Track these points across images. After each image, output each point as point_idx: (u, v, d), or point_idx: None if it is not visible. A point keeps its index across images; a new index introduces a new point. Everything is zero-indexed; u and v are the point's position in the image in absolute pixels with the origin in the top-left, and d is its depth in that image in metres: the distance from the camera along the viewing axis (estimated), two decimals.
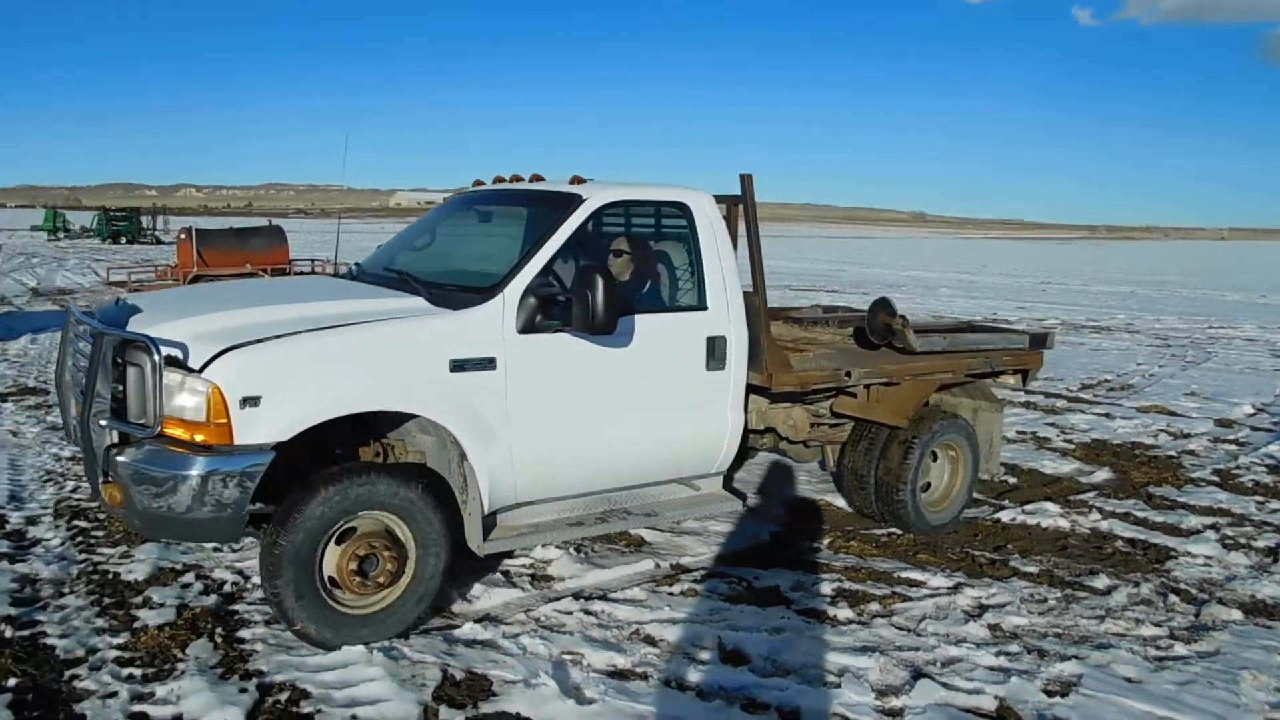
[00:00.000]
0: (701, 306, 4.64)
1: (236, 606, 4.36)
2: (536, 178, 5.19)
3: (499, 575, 4.80)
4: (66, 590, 4.49)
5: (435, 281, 4.39)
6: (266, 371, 3.62)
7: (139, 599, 4.41)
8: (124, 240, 44.22)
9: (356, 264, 5.37)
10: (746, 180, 4.85)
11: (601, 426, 4.37)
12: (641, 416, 4.47)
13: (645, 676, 3.84)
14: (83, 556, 4.91)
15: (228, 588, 4.57)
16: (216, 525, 3.62)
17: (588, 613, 4.41)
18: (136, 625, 4.13)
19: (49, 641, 3.96)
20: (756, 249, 4.84)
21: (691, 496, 4.98)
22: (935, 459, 5.82)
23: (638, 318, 4.39)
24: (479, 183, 5.67)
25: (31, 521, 5.43)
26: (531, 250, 4.24)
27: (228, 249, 18.98)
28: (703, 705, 3.63)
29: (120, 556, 4.90)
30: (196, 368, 3.57)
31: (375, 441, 4.38)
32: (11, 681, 3.61)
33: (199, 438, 3.56)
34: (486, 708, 3.54)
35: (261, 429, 3.58)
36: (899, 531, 5.76)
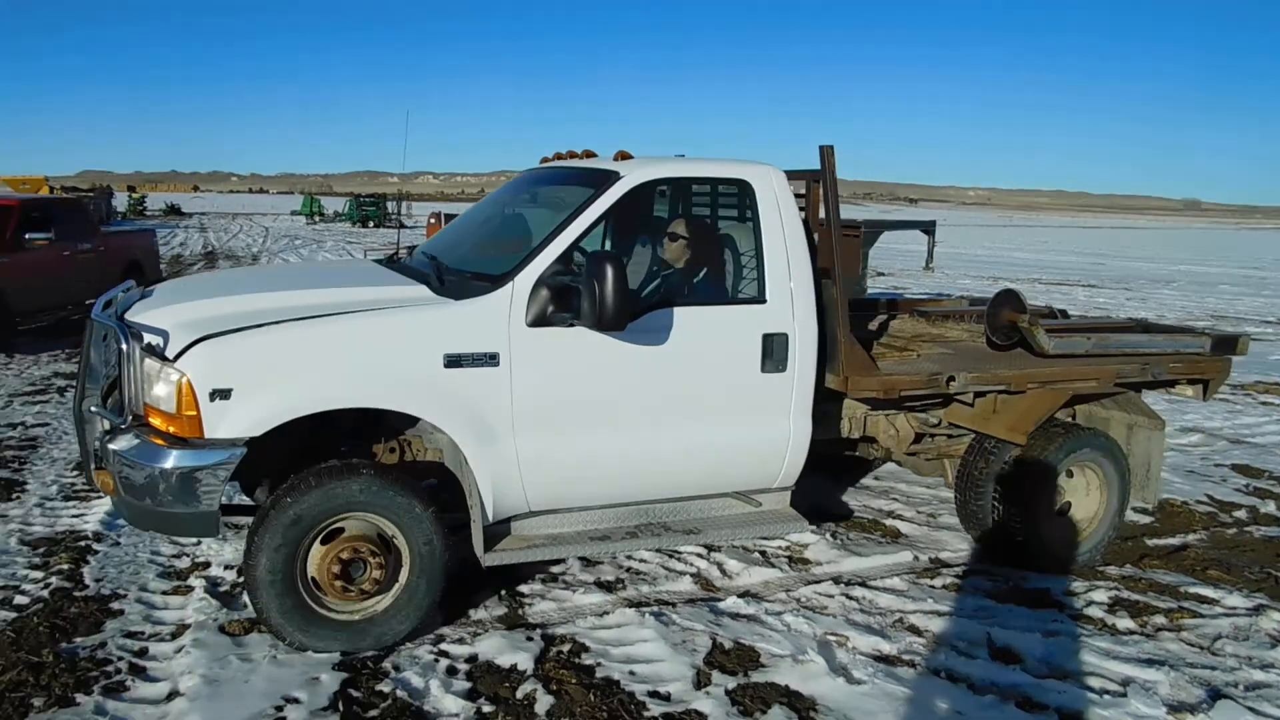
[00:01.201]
0: (759, 299, 4.17)
1: None
2: (588, 153, 4.81)
3: (757, 555, 5.01)
4: None
5: (456, 269, 4.17)
6: (237, 363, 3.49)
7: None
8: (371, 224, 48.72)
9: (409, 248, 5.25)
10: (826, 152, 4.29)
11: (628, 432, 4.02)
12: (679, 422, 4.08)
13: (912, 664, 3.90)
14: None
15: None
16: (188, 519, 3.53)
17: (849, 597, 4.52)
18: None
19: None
20: (836, 233, 4.34)
21: (747, 514, 4.46)
22: (1071, 476, 5.02)
23: (678, 311, 4.01)
24: (545, 160, 5.23)
25: None
26: (552, 235, 3.91)
27: None
28: (976, 699, 3.64)
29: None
30: (171, 357, 3.50)
31: (392, 439, 4.23)
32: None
33: (171, 429, 3.49)
34: (756, 677, 3.74)
35: (232, 423, 3.45)
36: (1183, 543, 5.44)
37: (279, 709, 3.40)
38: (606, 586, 4.56)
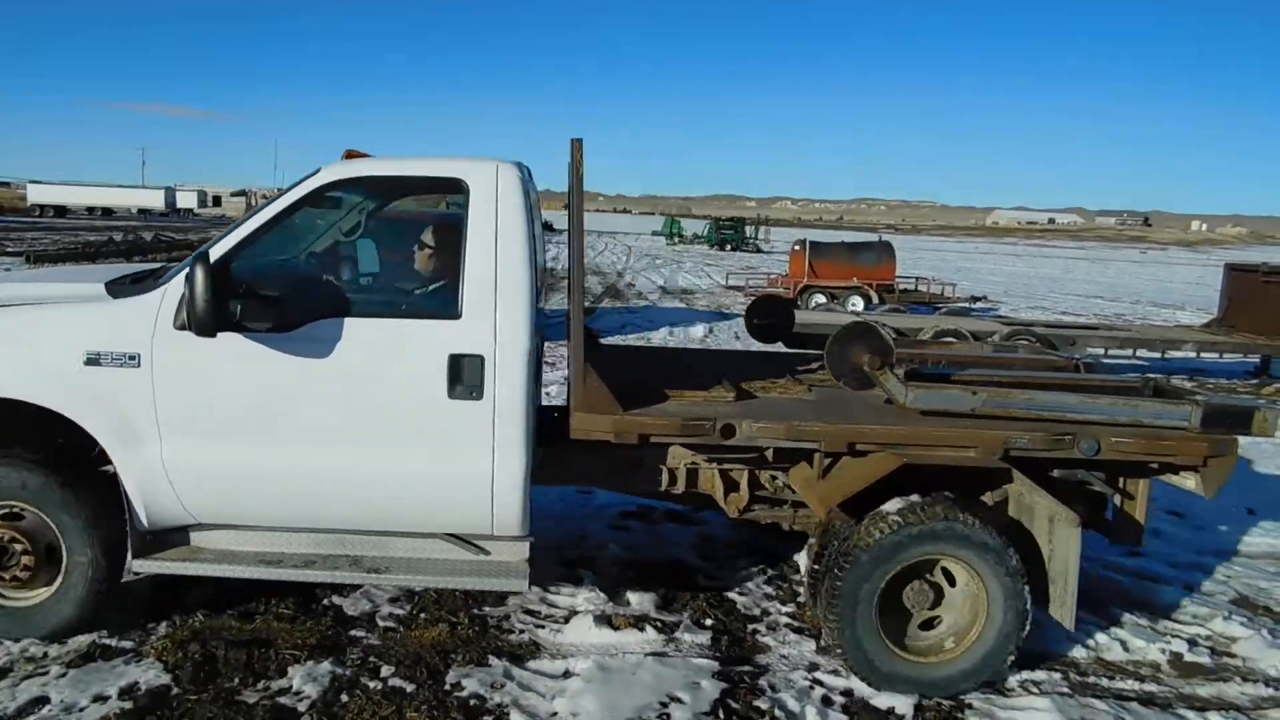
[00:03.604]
0: (450, 314, 3.78)
1: None
2: (351, 154, 4.51)
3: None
4: (740, 556, 5.47)
5: (163, 271, 4.27)
6: None
7: (797, 577, 5.18)
8: (729, 247, 50.71)
9: None
10: (575, 145, 3.82)
11: (291, 449, 3.80)
12: (351, 444, 3.79)
13: None
14: (745, 533, 5.91)
15: None
16: None
17: None
18: (800, 600, 4.87)
19: (731, 597, 4.88)
20: (579, 239, 3.89)
21: (459, 561, 4.03)
22: (952, 579, 3.95)
23: (349, 321, 3.75)
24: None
25: None
26: (221, 236, 3.89)
27: (838, 262, 20.68)
28: None
29: (779, 539, 5.78)
30: None
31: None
32: (708, 622, 4.55)
33: None
34: None
35: None
36: None
37: (664, 705, 3.70)
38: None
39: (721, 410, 3.98)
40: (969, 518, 3.81)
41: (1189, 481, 4.15)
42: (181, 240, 31.21)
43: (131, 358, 3.73)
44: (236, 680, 3.78)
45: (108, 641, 4.03)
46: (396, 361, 3.77)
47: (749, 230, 53.14)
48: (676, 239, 57.74)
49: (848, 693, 3.92)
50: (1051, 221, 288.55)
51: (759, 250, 49.47)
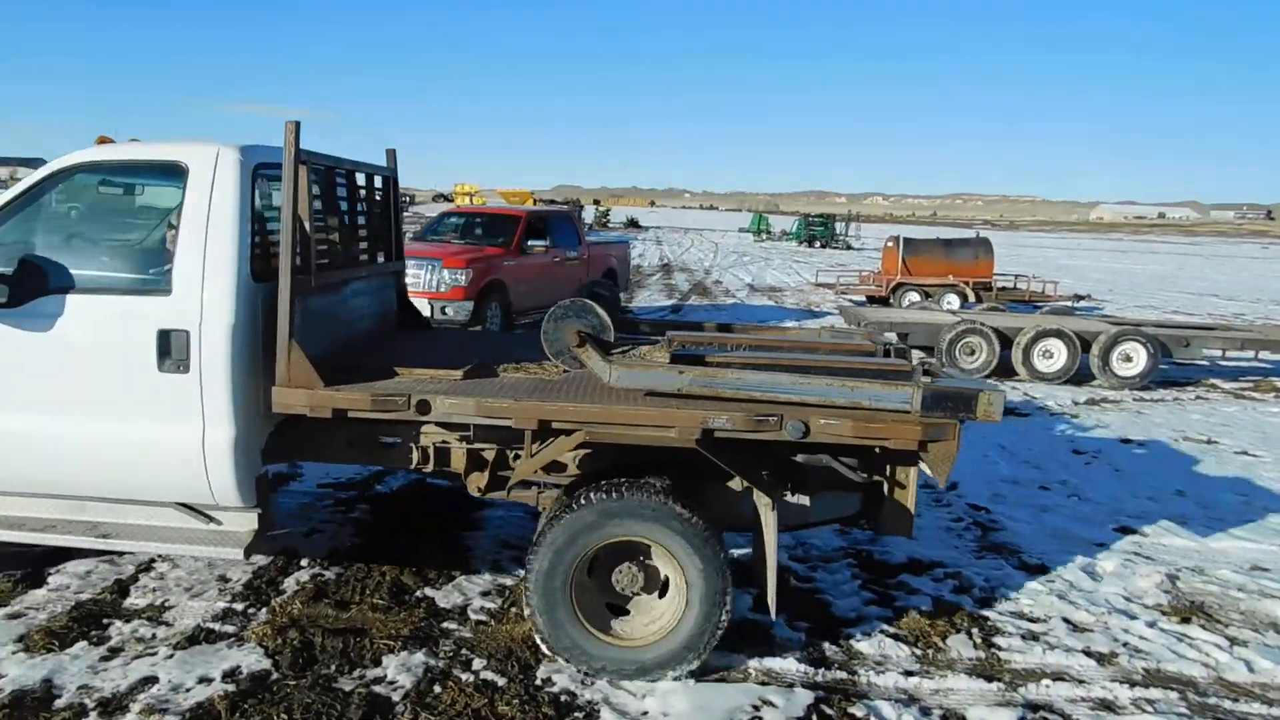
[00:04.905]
0: (161, 291, 3.99)
1: (988, 612, 4.76)
2: (102, 139, 4.82)
3: None
4: (835, 559, 5.42)
5: None
6: None
7: (894, 581, 5.11)
8: (818, 244, 50.14)
9: None
10: (289, 128, 3.93)
11: (21, 419, 4.07)
12: (75, 417, 4.04)
13: None
14: (838, 530, 5.86)
15: (977, 591, 5.01)
16: None
17: None
18: (898, 604, 4.80)
19: (825, 599, 4.84)
20: (295, 224, 3.93)
21: (187, 529, 4.24)
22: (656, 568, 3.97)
23: (71, 298, 4.01)
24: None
25: None
26: None
27: (933, 259, 20.23)
28: None
29: (873, 541, 5.71)
30: None
31: None
32: (802, 625, 4.52)
33: None
34: None
35: None
36: None
37: (756, 708, 3.70)
38: (1097, 658, 4.31)
39: (430, 388, 4.02)
40: (656, 498, 3.81)
41: (926, 467, 4.03)
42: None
43: None
44: (333, 668, 3.91)
45: (212, 626, 4.22)
46: (112, 336, 4.02)
47: (839, 226, 52.47)
48: (764, 235, 57.39)
49: (945, 705, 3.85)
50: (1162, 216, 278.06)
51: (849, 247, 48.80)
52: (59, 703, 3.59)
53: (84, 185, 4.61)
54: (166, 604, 4.46)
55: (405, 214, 38.31)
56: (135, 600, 4.50)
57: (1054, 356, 11.68)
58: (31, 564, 4.73)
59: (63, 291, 4.03)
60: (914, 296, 19.72)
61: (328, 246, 4.54)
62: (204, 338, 3.93)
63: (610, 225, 63.67)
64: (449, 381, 4.17)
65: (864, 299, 21.24)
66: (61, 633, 4.12)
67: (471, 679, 3.85)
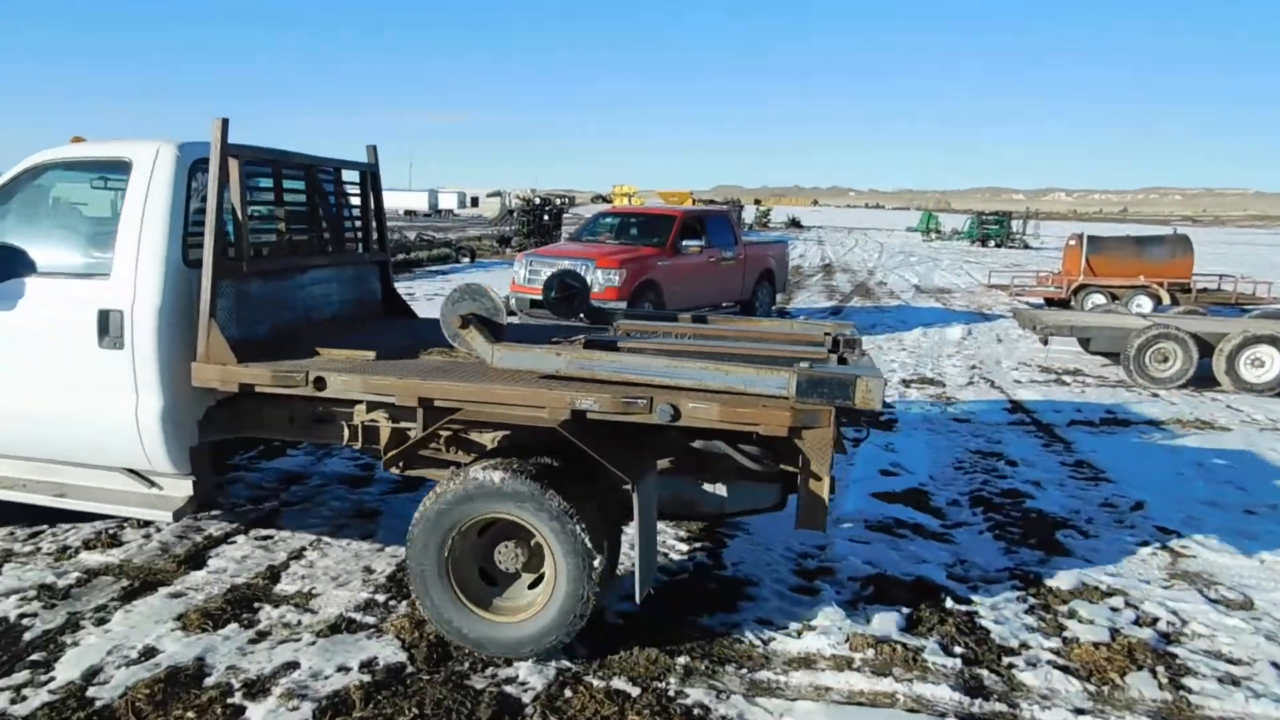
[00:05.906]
0: (103, 275, 4.44)
1: (1176, 650, 4.33)
2: (76, 139, 5.19)
3: None
4: (997, 579, 5.08)
5: None
6: None
7: (1064, 608, 4.72)
8: (993, 244, 48.05)
9: None
10: (216, 125, 4.35)
11: None
12: (34, 387, 4.54)
13: None
14: (1004, 548, 5.49)
15: (1162, 625, 4.56)
16: None
17: None
18: (1067, 634, 4.44)
19: (984, 624, 4.52)
20: (218, 213, 4.33)
21: (129, 492, 4.71)
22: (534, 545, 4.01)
23: (30, 280, 4.49)
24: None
25: (952, 504, 6.32)
26: None
27: (1121, 258, 18.88)
28: None
29: (1042, 564, 5.31)
30: None
31: None
32: (957, 649, 4.23)
33: None
34: None
35: None
36: None
37: None
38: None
39: (329, 366, 4.30)
40: (519, 478, 3.83)
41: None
42: (440, 239, 33.42)
43: None
44: (466, 665, 3.93)
45: (354, 616, 4.33)
46: (62, 314, 4.46)
47: (1015, 224, 50.16)
48: (933, 234, 55.53)
49: None
50: None
51: (1027, 246, 46.55)
52: (208, 681, 3.76)
53: (52, 180, 5.11)
54: (313, 591, 4.61)
55: (565, 215, 39.00)
56: (285, 586, 4.68)
57: (1265, 366, 10.66)
58: (31, 519, 5.30)
59: (27, 275, 4.54)
60: (1098, 299, 18.49)
61: (275, 236, 4.96)
62: (135, 317, 4.36)
63: (771, 225, 63.07)
64: (359, 362, 4.45)
65: (1041, 301, 20.12)
66: (216, 614, 4.33)
67: (604, 686, 3.79)
